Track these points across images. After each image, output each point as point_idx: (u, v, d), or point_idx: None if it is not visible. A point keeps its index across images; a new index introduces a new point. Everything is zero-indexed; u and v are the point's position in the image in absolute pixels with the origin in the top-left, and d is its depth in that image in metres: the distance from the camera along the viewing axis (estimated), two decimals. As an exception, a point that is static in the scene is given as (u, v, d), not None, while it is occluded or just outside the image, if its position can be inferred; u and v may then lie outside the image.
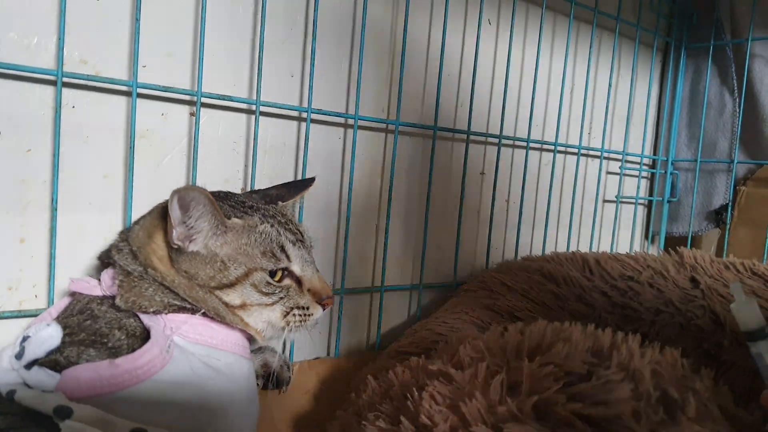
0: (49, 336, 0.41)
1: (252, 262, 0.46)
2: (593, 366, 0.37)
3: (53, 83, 0.49)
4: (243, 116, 0.62)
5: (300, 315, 0.49)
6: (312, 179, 0.57)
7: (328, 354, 0.71)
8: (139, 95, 0.54)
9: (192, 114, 0.58)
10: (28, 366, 0.40)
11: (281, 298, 0.48)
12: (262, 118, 0.61)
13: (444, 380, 0.38)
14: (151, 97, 0.56)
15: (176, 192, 0.43)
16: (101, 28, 0.53)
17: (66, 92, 0.51)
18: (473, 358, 0.39)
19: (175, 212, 0.44)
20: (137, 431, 0.37)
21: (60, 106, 0.49)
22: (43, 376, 0.39)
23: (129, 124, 0.54)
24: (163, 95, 0.56)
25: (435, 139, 0.74)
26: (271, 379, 0.58)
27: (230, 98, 0.58)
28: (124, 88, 0.54)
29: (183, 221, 0.45)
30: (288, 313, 0.48)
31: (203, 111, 0.59)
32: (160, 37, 0.56)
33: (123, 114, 0.54)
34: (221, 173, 0.61)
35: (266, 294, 0.47)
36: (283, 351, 0.62)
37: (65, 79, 0.49)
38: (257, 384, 0.59)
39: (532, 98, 0.85)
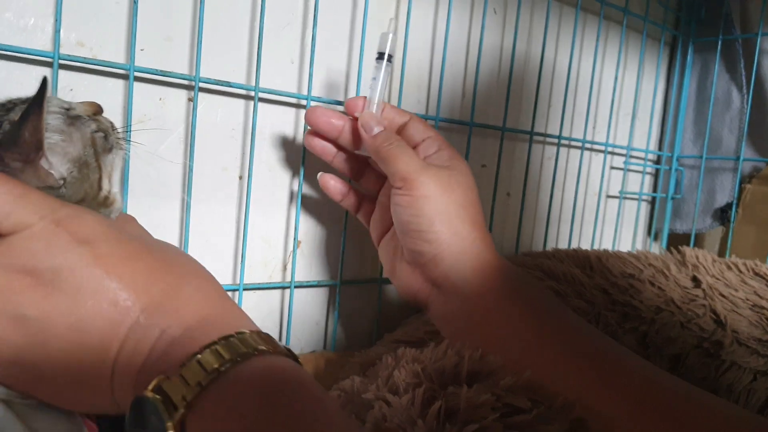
0: None
1: None
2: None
3: (49, 65, 0.49)
4: (241, 102, 0.61)
5: None
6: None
7: (325, 347, 0.71)
8: (137, 79, 0.53)
9: (190, 99, 0.57)
10: None
11: None
12: (261, 105, 0.61)
13: (384, 403, 0.37)
14: (149, 81, 0.55)
15: None
16: (99, 10, 0.52)
17: (62, 75, 0.50)
18: (409, 384, 0.38)
19: None
20: None
21: (56, 89, 0.49)
22: None
23: (126, 109, 0.53)
24: (161, 79, 0.55)
25: (437, 129, 0.73)
26: None
27: (229, 84, 0.57)
28: (121, 71, 0.53)
29: None
30: None
31: (201, 97, 0.58)
32: (158, 20, 0.55)
33: (120, 98, 0.54)
34: (219, 160, 0.60)
35: None
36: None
37: (61, 61, 0.49)
38: None
39: (537, 90, 0.84)
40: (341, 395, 0.42)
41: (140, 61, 0.53)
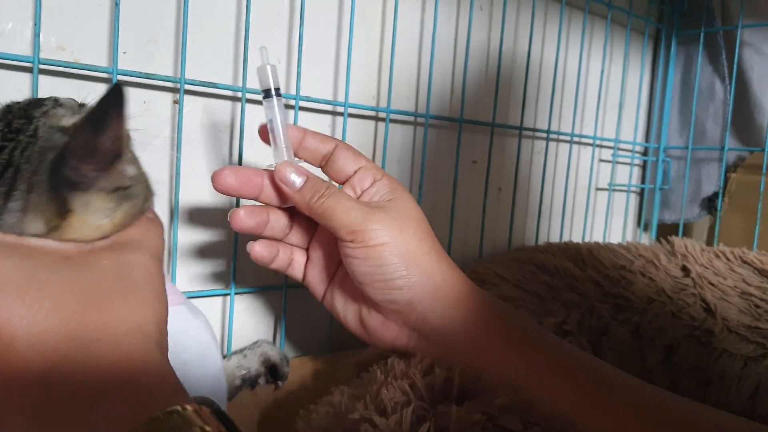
0: None
1: None
2: (529, 425, 0.35)
3: (29, 70, 0.48)
4: (228, 104, 0.61)
5: None
6: None
7: (321, 350, 0.70)
8: (120, 82, 0.53)
9: (175, 102, 0.57)
10: None
11: None
12: (248, 106, 0.60)
13: (370, 426, 0.36)
14: (133, 84, 0.54)
15: None
16: (79, 13, 0.51)
17: (43, 80, 0.49)
18: (397, 403, 0.37)
19: None
20: None
21: (37, 94, 0.48)
22: None
23: (110, 113, 0.52)
24: (145, 82, 0.55)
25: (427, 127, 0.73)
26: (270, 373, 0.57)
27: (215, 85, 0.56)
28: (104, 75, 0.52)
29: None
30: None
31: (187, 99, 0.57)
32: (141, 22, 0.54)
33: (104, 102, 0.53)
34: (206, 162, 0.60)
35: None
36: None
37: (42, 66, 0.48)
38: (258, 383, 0.57)
39: (525, 85, 0.84)
40: (329, 411, 0.41)
41: (123, 64, 0.52)
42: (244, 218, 0.44)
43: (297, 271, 0.49)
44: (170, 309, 0.40)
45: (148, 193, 0.36)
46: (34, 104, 0.35)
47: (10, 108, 0.34)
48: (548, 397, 0.38)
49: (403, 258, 0.41)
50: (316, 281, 0.48)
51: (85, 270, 0.30)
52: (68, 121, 0.34)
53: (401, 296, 0.41)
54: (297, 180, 0.42)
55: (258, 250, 0.45)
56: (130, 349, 0.28)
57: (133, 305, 0.30)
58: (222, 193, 0.44)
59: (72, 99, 0.38)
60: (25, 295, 0.27)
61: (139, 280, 0.31)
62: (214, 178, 0.43)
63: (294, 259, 0.48)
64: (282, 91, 0.64)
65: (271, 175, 0.44)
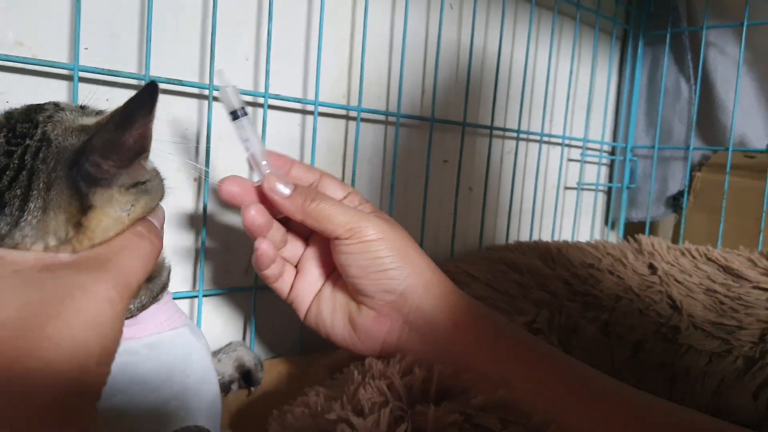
0: None
1: None
2: (508, 423, 0.35)
3: (-14, 66, 0.46)
4: (194, 102, 0.59)
5: None
6: None
7: (292, 351, 0.70)
8: (81, 79, 0.51)
9: (141, 99, 0.56)
10: None
11: None
12: (215, 104, 0.59)
13: (347, 426, 0.36)
14: (95, 81, 0.53)
15: None
16: (38, 6, 0.50)
17: (0, 76, 0.48)
18: (375, 403, 0.37)
19: None
20: None
21: (-5, 91, 0.46)
22: None
23: (72, 110, 0.51)
24: (108, 79, 0.53)
25: (398, 126, 0.72)
26: (244, 379, 0.56)
27: (181, 83, 0.55)
28: (64, 71, 0.51)
29: None
30: None
31: (153, 96, 0.56)
32: (103, 16, 0.53)
33: (64, 99, 0.51)
34: (172, 162, 0.59)
35: None
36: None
37: None
38: (231, 389, 0.57)
39: (495, 85, 0.85)
40: (305, 412, 0.40)
41: (85, 60, 0.51)
42: (255, 215, 0.44)
43: (285, 283, 0.49)
44: (172, 332, 0.41)
45: (162, 190, 0.37)
46: (35, 109, 0.35)
47: (11, 114, 0.34)
48: (533, 391, 0.39)
49: (396, 252, 0.44)
50: (304, 294, 0.49)
51: (26, 287, 0.29)
52: (89, 120, 0.34)
53: (397, 285, 0.44)
54: (286, 189, 0.44)
55: (265, 248, 0.45)
56: (57, 376, 0.27)
57: (66, 332, 0.28)
58: (226, 200, 0.45)
59: (70, 103, 0.38)
60: None
61: (83, 306, 0.29)
62: (221, 187, 0.45)
63: (285, 271, 0.49)
64: (250, 88, 0.63)
65: (260, 189, 0.45)
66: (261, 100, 0.62)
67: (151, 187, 0.35)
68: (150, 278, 0.41)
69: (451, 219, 0.83)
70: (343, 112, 0.72)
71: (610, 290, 0.64)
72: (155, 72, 0.54)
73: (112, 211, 0.32)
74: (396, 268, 0.44)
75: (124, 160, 0.32)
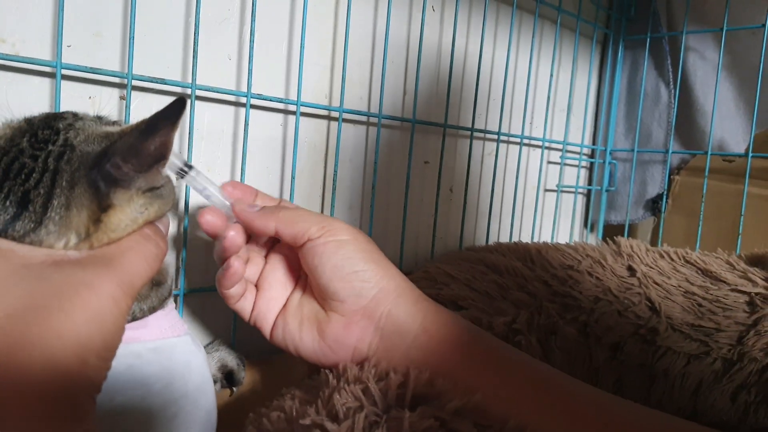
0: None
1: None
2: (483, 428, 0.36)
3: (-35, 62, 0.46)
4: (177, 101, 0.59)
5: None
6: None
7: (275, 351, 0.69)
8: (64, 77, 0.51)
9: (122, 98, 0.55)
10: None
11: None
12: (198, 103, 0.59)
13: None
14: (78, 79, 0.52)
15: None
16: (21, 3, 0.49)
17: (-20, 72, 0.47)
18: (350, 408, 0.37)
19: None
20: None
21: (-26, 88, 0.46)
22: None
23: (53, 109, 0.50)
24: (91, 77, 0.53)
25: (380, 127, 0.73)
26: (226, 379, 0.56)
27: (163, 81, 0.55)
28: (47, 69, 0.50)
29: None
30: None
31: (134, 95, 0.56)
32: (86, 14, 0.52)
33: (46, 97, 0.51)
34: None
35: None
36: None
37: (-21, 58, 0.46)
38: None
39: (476, 87, 0.85)
40: (280, 416, 0.40)
41: (68, 57, 0.50)
42: (235, 236, 0.45)
43: (248, 303, 0.49)
44: (175, 339, 0.43)
45: (174, 196, 0.39)
46: (53, 117, 0.37)
47: (31, 121, 0.36)
48: (504, 397, 0.39)
49: (367, 254, 0.44)
50: (267, 310, 0.49)
51: (33, 280, 0.29)
52: (112, 128, 0.36)
53: (369, 289, 0.44)
54: (253, 209, 0.45)
55: (238, 265, 0.45)
56: (58, 367, 0.27)
57: (69, 325, 0.28)
58: (206, 231, 0.46)
59: (87, 113, 0.40)
60: None
61: (87, 302, 0.29)
62: (201, 219, 0.45)
63: (247, 289, 0.49)
64: (233, 88, 0.63)
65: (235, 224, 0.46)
66: (243, 100, 0.62)
67: (164, 192, 0.37)
68: (158, 283, 0.42)
69: (431, 220, 0.83)
70: (325, 112, 0.72)
71: (589, 292, 0.65)
72: (138, 70, 0.53)
73: (129, 210, 0.34)
74: (368, 270, 0.44)
75: (143, 164, 0.34)
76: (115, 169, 0.33)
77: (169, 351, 0.42)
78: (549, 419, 0.38)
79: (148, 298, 0.41)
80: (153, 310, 0.42)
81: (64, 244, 0.32)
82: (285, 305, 0.48)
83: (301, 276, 0.49)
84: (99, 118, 0.39)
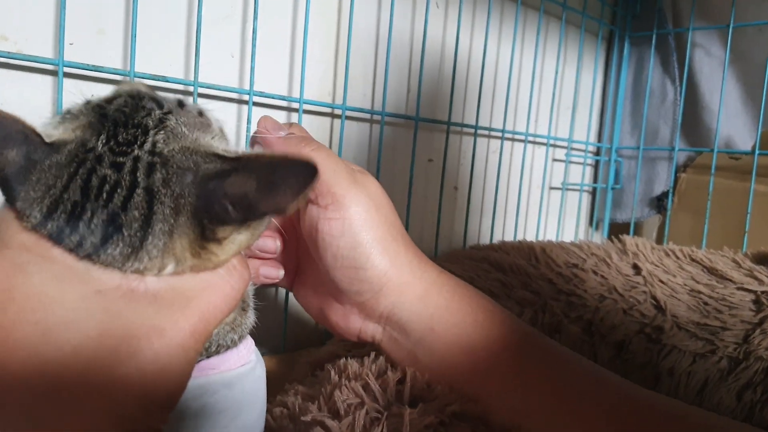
0: None
1: None
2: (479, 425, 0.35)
3: (-32, 60, 0.46)
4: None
5: None
6: None
7: (275, 350, 0.69)
8: (66, 75, 0.51)
9: (124, 95, 0.55)
10: None
11: None
12: (200, 101, 0.59)
13: (322, 429, 0.36)
14: (79, 76, 0.52)
15: None
16: (23, 2, 0.49)
17: (-17, 70, 0.47)
18: (350, 404, 0.36)
19: None
20: None
21: (-24, 86, 0.46)
22: None
23: (55, 106, 0.50)
24: (93, 75, 0.53)
25: (383, 124, 0.72)
26: None
27: (166, 79, 0.55)
28: (49, 66, 0.50)
29: None
30: None
31: (137, 92, 0.56)
32: (88, 12, 0.52)
33: (48, 95, 0.51)
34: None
35: None
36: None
37: (-19, 56, 0.46)
38: None
39: (480, 84, 0.85)
40: (283, 412, 0.40)
41: (70, 55, 0.50)
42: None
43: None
44: (248, 366, 0.38)
45: (266, 224, 0.35)
46: (134, 108, 0.32)
47: (103, 112, 0.31)
48: (516, 409, 0.37)
49: (377, 243, 0.39)
50: (278, 276, 0.45)
51: (105, 314, 0.28)
52: (219, 145, 0.33)
53: (369, 288, 0.40)
54: (281, 132, 0.41)
55: (270, 275, 0.44)
56: (123, 416, 0.27)
57: (136, 376, 0.27)
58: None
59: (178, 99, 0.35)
60: (26, 306, 0.26)
61: (157, 352, 0.28)
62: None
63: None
64: (236, 86, 0.63)
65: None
66: (246, 97, 0.61)
67: (259, 223, 0.34)
68: (243, 308, 0.38)
69: (435, 218, 0.83)
70: (328, 110, 0.72)
71: (594, 290, 0.65)
72: (140, 68, 0.53)
73: (230, 246, 0.32)
74: (372, 266, 0.39)
75: (254, 217, 0.32)
76: (224, 212, 0.31)
77: (242, 383, 0.39)
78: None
79: (240, 326, 0.38)
80: (242, 338, 0.38)
81: (158, 270, 0.30)
82: (297, 273, 0.46)
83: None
84: (181, 105, 0.34)
